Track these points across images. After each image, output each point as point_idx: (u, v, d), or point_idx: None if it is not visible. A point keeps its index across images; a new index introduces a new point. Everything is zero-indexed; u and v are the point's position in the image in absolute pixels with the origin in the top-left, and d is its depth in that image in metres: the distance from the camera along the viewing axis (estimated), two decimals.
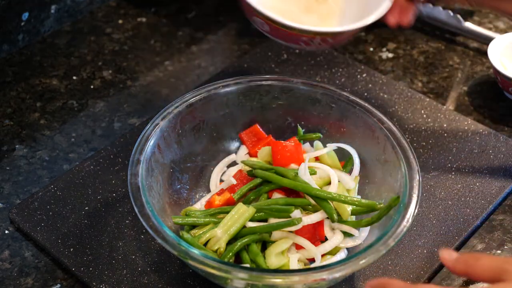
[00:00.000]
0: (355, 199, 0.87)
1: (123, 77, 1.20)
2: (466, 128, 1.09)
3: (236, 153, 1.00)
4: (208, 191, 0.97)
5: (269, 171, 0.90)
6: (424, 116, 1.10)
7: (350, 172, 0.94)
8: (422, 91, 1.17)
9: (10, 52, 1.22)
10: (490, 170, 1.02)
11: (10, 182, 1.02)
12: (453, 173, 1.02)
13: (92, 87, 1.18)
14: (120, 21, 1.31)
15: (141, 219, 0.80)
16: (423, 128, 1.09)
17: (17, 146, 1.07)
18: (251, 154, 0.98)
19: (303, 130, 0.98)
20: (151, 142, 0.88)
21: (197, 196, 0.96)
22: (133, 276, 0.88)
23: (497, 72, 1.11)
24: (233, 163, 0.99)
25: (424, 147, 1.06)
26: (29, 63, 1.21)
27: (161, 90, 1.17)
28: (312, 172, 0.90)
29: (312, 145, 0.97)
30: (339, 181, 0.90)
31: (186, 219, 0.87)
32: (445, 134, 1.08)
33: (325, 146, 0.95)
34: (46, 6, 1.23)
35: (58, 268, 0.91)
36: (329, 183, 0.90)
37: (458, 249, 0.93)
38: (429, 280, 0.90)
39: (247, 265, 0.83)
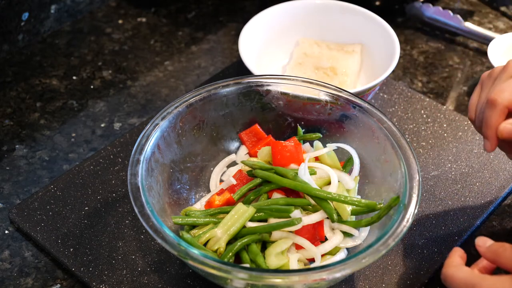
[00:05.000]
0: (355, 199, 0.87)
1: (123, 77, 1.20)
2: (466, 128, 1.09)
3: (236, 153, 1.00)
4: (208, 191, 0.97)
5: (269, 171, 0.90)
6: (424, 116, 1.10)
7: (350, 172, 0.94)
8: (422, 91, 1.17)
9: (10, 52, 1.22)
10: (490, 170, 1.02)
11: (10, 182, 1.02)
12: (453, 173, 1.02)
13: (92, 87, 1.18)
14: (120, 21, 1.31)
15: (141, 219, 0.80)
16: (423, 128, 1.09)
17: (17, 146, 1.07)
18: (251, 154, 0.98)
19: (303, 130, 0.98)
20: (151, 142, 0.88)
21: (197, 196, 0.96)
22: (133, 276, 0.88)
23: None
24: (233, 163, 0.99)
25: (424, 147, 1.06)
26: (29, 63, 1.21)
27: (161, 90, 1.17)
28: (312, 172, 0.90)
29: (312, 145, 0.97)
30: (339, 181, 0.90)
31: (186, 219, 0.87)
32: (445, 134, 1.08)
33: (325, 146, 0.94)
34: (46, 6, 1.23)
35: (58, 268, 0.91)
36: (329, 183, 0.90)
37: None
38: (429, 280, 0.90)
39: (247, 265, 0.83)
